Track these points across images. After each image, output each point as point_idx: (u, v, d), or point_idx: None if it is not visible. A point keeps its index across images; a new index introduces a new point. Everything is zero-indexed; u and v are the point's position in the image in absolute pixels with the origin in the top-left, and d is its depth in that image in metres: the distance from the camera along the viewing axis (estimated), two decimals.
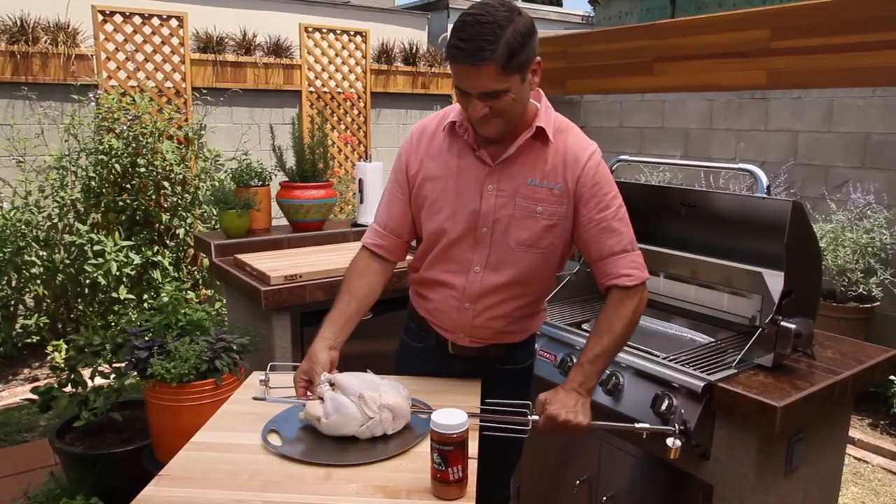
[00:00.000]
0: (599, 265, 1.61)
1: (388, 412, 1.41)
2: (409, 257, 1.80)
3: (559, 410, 1.44)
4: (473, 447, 1.33)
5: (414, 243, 1.78)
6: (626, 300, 1.58)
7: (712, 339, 2.11)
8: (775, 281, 1.86)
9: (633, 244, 1.62)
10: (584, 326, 2.17)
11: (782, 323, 1.77)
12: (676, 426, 1.50)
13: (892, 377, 3.45)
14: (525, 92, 1.49)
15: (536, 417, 1.47)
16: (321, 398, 1.44)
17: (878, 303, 3.98)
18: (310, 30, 5.43)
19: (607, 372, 1.94)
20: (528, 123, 1.57)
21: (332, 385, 1.46)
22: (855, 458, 3.35)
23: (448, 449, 1.21)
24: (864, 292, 3.92)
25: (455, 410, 1.25)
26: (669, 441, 1.49)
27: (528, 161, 1.58)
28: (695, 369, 1.80)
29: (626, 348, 1.96)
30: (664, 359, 1.88)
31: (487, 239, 1.60)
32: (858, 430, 3.60)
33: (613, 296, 1.59)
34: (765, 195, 1.97)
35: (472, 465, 1.29)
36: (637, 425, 1.51)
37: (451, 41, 1.42)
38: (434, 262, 1.68)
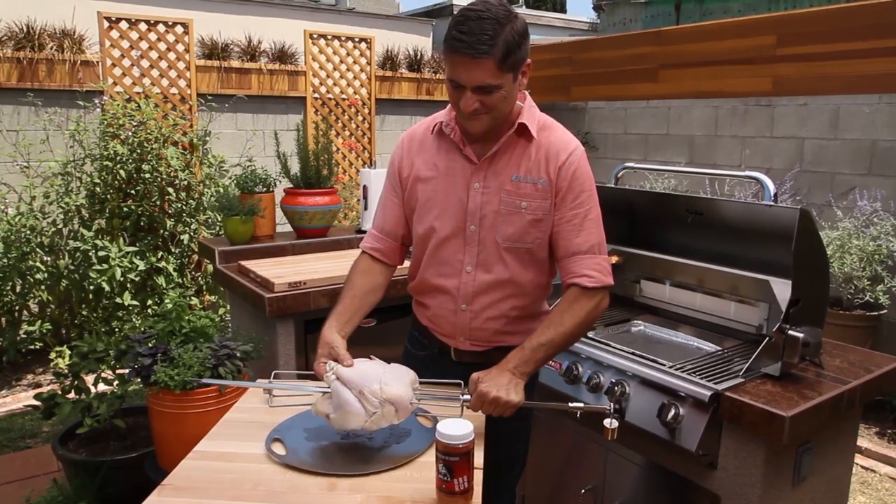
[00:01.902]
0: (564, 262, 1.62)
1: (391, 406, 1.40)
2: (407, 262, 1.82)
3: (490, 388, 1.43)
4: (479, 457, 1.32)
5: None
6: (581, 299, 1.58)
7: (719, 348, 2.09)
8: (782, 289, 1.85)
9: (602, 248, 1.62)
10: (590, 334, 2.16)
11: (790, 332, 1.76)
12: (611, 405, 1.45)
13: None
14: (515, 91, 1.54)
15: (468, 396, 1.45)
16: (328, 389, 1.43)
17: (884, 310, 3.96)
18: (315, 36, 5.44)
19: (612, 380, 1.93)
20: (512, 122, 1.60)
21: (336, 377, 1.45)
22: (862, 467, 3.33)
23: (454, 459, 1.20)
24: (871, 300, 3.90)
25: (461, 420, 1.24)
26: (606, 422, 1.43)
27: (512, 157, 1.61)
28: (701, 378, 1.78)
29: (631, 356, 1.95)
30: (670, 367, 1.87)
31: (476, 237, 1.63)
32: (866, 438, 3.57)
33: (571, 292, 1.59)
34: (772, 203, 1.95)
35: (478, 476, 1.27)
36: (571, 405, 1.47)
37: (451, 33, 1.45)
38: (427, 265, 1.70)
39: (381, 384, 1.40)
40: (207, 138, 4.71)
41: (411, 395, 1.43)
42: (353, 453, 1.41)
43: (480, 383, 1.45)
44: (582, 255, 1.59)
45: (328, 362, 1.48)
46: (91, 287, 4.12)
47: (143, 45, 4.53)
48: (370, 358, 1.51)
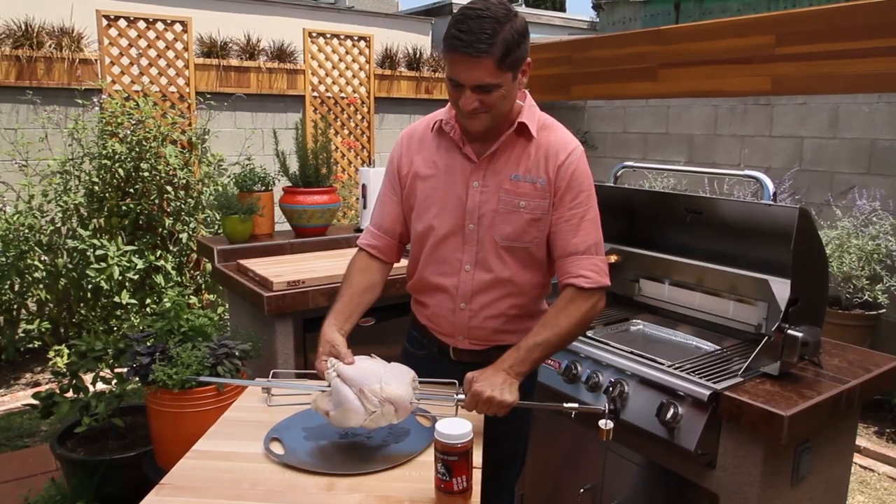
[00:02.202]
0: (560, 262, 1.62)
1: (390, 405, 1.40)
2: (404, 260, 1.82)
3: (485, 388, 1.43)
4: (477, 456, 1.32)
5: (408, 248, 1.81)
6: (577, 300, 1.58)
7: (718, 347, 2.09)
8: (781, 288, 1.85)
9: (599, 248, 1.62)
10: (589, 334, 2.16)
11: (789, 331, 1.75)
12: (606, 406, 1.44)
13: None
14: (514, 90, 1.54)
15: (462, 396, 1.45)
16: (329, 386, 1.43)
17: (883, 310, 3.96)
18: (314, 35, 5.43)
19: (611, 379, 1.93)
20: (512, 121, 1.60)
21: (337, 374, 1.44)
22: (861, 466, 3.33)
23: (452, 459, 1.20)
24: (870, 299, 3.90)
25: (460, 420, 1.24)
26: (601, 423, 1.43)
27: (511, 157, 1.61)
28: (700, 377, 1.78)
29: (630, 356, 1.95)
30: (669, 367, 1.86)
31: (474, 236, 1.63)
32: (864, 438, 3.58)
33: (567, 293, 1.59)
34: (771, 202, 1.95)
35: (477, 476, 1.27)
36: (566, 405, 1.46)
37: (450, 32, 1.45)
38: (426, 263, 1.70)
39: (381, 383, 1.40)
40: (206, 137, 4.70)
41: (411, 394, 1.43)
42: (352, 452, 1.41)
43: (475, 383, 1.45)
44: (579, 256, 1.59)
45: (329, 359, 1.48)
46: (89, 286, 4.12)
47: (142, 43, 4.52)
48: (370, 356, 1.51)
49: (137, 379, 2.16)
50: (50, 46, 4.62)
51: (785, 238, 1.79)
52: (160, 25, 4.57)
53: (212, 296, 4.62)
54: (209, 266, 4.44)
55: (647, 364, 1.90)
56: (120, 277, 4.02)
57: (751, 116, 4.95)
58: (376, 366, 1.47)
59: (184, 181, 4.41)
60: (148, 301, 4.21)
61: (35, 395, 2.49)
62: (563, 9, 15.40)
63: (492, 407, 1.43)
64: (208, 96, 4.94)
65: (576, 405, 1.46)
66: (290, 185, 3.15)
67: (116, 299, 4.07)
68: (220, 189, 4.32)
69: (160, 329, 2.26)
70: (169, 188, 4.35)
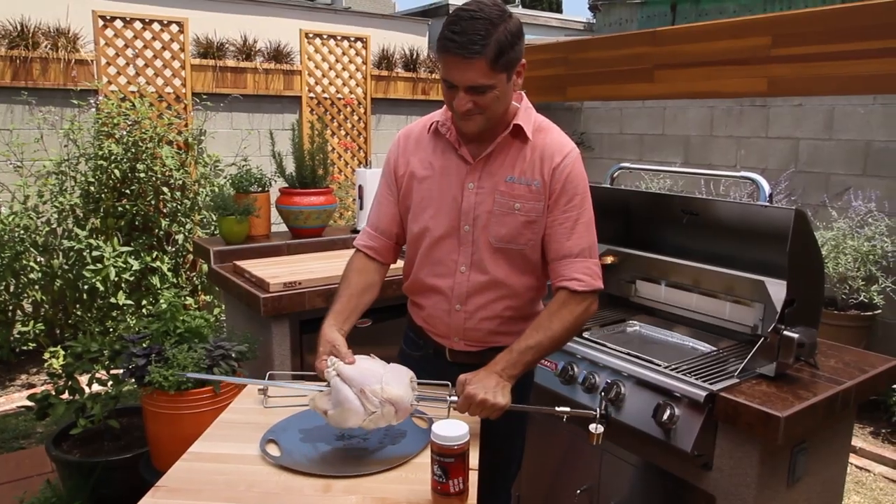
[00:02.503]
0: (554, 265, 1.63)
1: (391, 406, 1.39)
2: (401, 262, 1.82)
3: (478, 390, 1.42)
4: (474, 458, 1.32)
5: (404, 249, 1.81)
6: (570, 304, 1.58)
7: (714, 348, 2.09)
8: (777, 289, 1.85)
9: (593, 251, 1.63)
10: (585, 335, 2.16)
11: (785, 332, 1.76)
12: (598, 410, 1.44)
13: (894, 386, 3.44)
14: (509, 92, 1.54)
15: (456, 398, 1.45)
16: (328, 386, 1.42)
17: (879, 310, 3.97)
18: (310, 35, 5.43)
19: (607, 380, 1.93)
20: (507, 123, 1.61)
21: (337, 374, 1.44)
22: (857, 466, 3.34)
23: (449, 461, 1.20)
24: (866, 300, 3.92)
25: (456, 422, 1.24)
26: (592, 427, 1.43)
27: (507, 159, 1.61)
28: (697, 378, 1.78)
29: (627, 357, 1.96)
30: (666, 368, 1.87)
31: (470, 237, 1.63)
32: (860, 438, 3.58)
33: (560, 296, 1.60)
34: (767, 203, 1.96)
35: (473, 477, 1.27)
36: (558, 409, 1.46)
37: (444, 34, 1.46)
38: (421, 264, 1.70)
39: (381, 384, 1.40)
40: (202, 137, 4.69)
41: (411, 396, 1.43)
42: (349, 454, 1.41)
43: (468, 385, 1.44)
44: (572, 259, 1.60)
45: (329, 358, 1.48)
46: (85, 287, 4.11)
47: (139, 43, 4.51)
48: (370, 356, 1.51)
49: (133, 380, 2.15)
50: (46, 47, 4.61)
51: (781, 239, 1.80)
52: (156, 26, 4.56)
53: (208, 297, 4.61)
54: (205, 267, 4.43)
55: (644, 365, 1.90)
56: (116, 278, 4.01)
57: (747, 118, 4.96)
58: (376, 366, 1.47)
59: (180, 182, 4.40)
60: (144, 302, 4.20)
61: (30, 397, 2.48)
62: (559, 10, 15.41)
63: (485, 409, 1.43)
64: (205, 97, 4.93)
65: (567, 409, 1.46)
66: (286, 186, 3.15)
67: (112, 300, 4.06)
68: (217, 190, 4.31)
69: (156, 330, 2.26)
70: (165, 189, 4.34)
